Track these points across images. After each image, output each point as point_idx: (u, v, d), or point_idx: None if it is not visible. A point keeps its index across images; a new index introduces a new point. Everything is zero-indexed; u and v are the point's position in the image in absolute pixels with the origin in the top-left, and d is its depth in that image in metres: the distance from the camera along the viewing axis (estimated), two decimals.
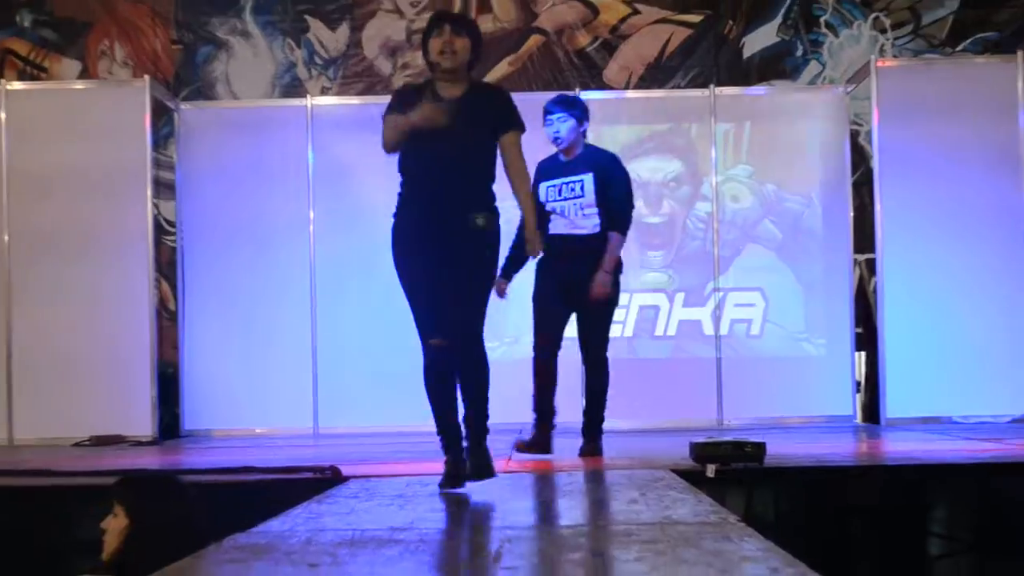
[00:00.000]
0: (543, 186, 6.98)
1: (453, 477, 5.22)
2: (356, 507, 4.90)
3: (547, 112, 6.98)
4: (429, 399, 5.38)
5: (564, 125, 6.89)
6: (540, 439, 6.99)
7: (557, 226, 6.97)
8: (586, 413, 7.23)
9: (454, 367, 5.33)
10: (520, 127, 5.38)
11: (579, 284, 6.89)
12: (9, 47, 12.20)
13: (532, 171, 6.21)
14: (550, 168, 7.05)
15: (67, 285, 9.73)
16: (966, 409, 9.63)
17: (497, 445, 5.75)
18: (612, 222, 6.94)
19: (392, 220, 5.41)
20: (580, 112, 6.99)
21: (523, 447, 7.02)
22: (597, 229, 6.93)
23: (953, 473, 6.37)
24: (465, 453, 5.31)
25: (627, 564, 3.45)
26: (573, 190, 6.90)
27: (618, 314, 10.27)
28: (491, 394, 5.39)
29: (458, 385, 5.37)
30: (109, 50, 12.12)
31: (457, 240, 5.18)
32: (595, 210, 6.91)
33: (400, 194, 5.41)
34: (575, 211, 6.92)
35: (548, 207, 6.94)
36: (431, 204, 5.23)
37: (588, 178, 6.89)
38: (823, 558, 3.32)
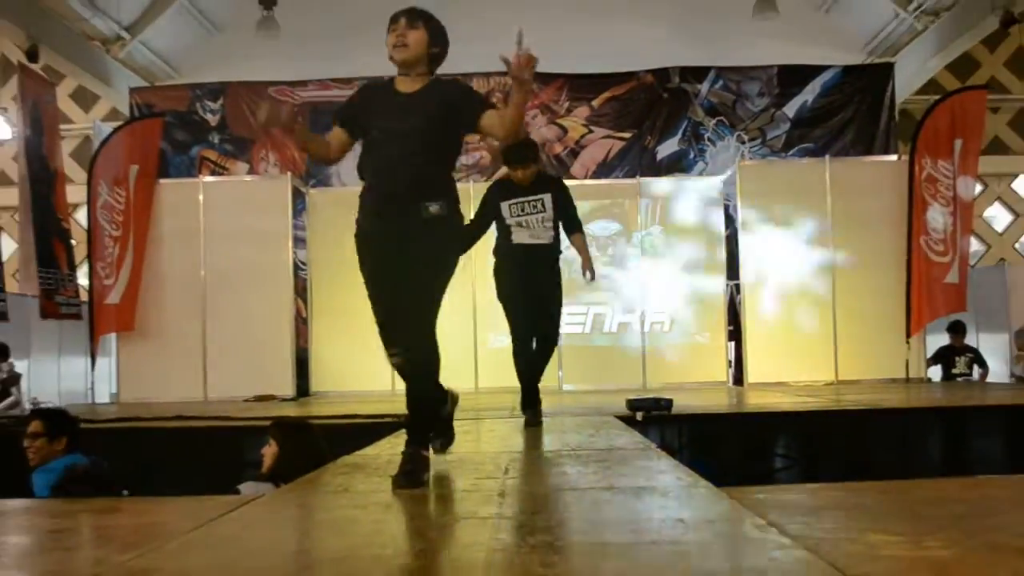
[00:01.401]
0: (505, 204, 5.54)
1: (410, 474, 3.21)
2: None
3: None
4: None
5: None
6: (532, 418, 5.49)
7: (520, 236, 5.54)
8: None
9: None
10: (488, 104, 3.50)
11: (538, 285, 5.54)
12: (205, 155, 12.25)
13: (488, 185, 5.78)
14: (507, 190, 5.60)
15: (240, 301, 9.72)
16: (797, 376, 9.58)
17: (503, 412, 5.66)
18: (575, 226, 5.70)
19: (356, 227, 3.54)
20: (537, 158, 5.70)
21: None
22: (552, 240, 5.59)
23: (788, 417, 6.37)
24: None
25: (586, 475, 3.45)
26: (536, 207, 5.52)
27: (578, 316, 10.44)
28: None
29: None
30: (266, 157, 12.15)
31: (411, 232, 3.33)
32: (551, 223, 5.56)
33: (361, 197, 3.53)
34: (537, 223, 5.53)
35: (511, 221, 5.54)
36: (386, 202, 3.38)
37: (547, 197, 5.53)
38: (708, 471, 3.31)
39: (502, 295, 5.65)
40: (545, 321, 5.64)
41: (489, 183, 6.36)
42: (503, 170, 5.80)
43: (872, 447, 5.95)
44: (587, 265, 5.68)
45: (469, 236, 5.25)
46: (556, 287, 5.66)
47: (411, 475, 3.19)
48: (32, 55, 10.57)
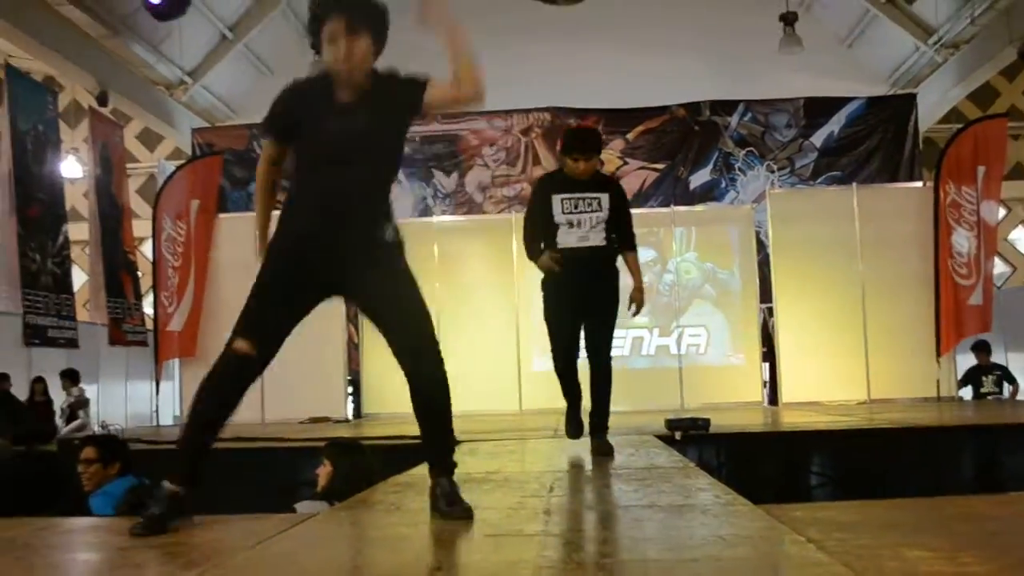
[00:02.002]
0: (557, 198, 4.62)
1: (153, 521, 2.67)
2: (466, 459, 4.84)
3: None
4: (197, 407, 3.05)
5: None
6: (573, 432, 4.87)
7: (568, 239, 4.60)
8: (593, 415, 4.78)
9: (252, 380, 3.12)
10: (427, 79, 2.78)
11: (589, 293, 4.65)
12: None
13: (533, 186, 5.14)
14: (562, 184, 4.70)
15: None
16: (830, 396, 9.44)
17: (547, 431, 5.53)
18: (629, 241, 4.75)
19: (275, 237, 3.03)
20: (600, 149, 4.86)
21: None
22: (604, 243, 4.64)
23: (822, 436, 6.27)
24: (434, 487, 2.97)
25: (627, 492, 3.41)
26: (591, 205, 4.61)
27: (618, 340, 10.25)
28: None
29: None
30: None
31: (367, 258, 2.86)
32: (604, 224, 4.62)
33: (289, 203, 2.95)
34: (590, 223, 4.60)
35: (561, 219, 4.61)
36: (332, 220, 2.80)
37: (605, 197, 4.63)
38: (745, 489, 3.26)
39: (546, 312, 4.79)
40: (595, 344, 4.70)
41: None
42: None
43: (905, 465, 5.83)
44: (638, 290, 4.75)
45: (529, 236, 4.71)
46: (612, 293, 4.70)
47: (458, 506, 2.87)
48: (102, 100, 10.82)
